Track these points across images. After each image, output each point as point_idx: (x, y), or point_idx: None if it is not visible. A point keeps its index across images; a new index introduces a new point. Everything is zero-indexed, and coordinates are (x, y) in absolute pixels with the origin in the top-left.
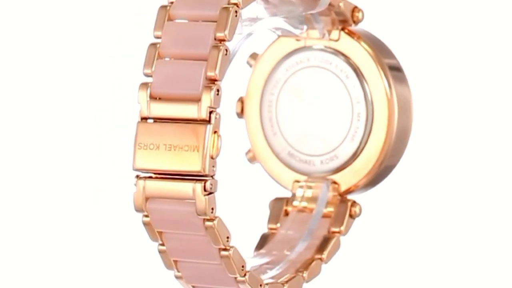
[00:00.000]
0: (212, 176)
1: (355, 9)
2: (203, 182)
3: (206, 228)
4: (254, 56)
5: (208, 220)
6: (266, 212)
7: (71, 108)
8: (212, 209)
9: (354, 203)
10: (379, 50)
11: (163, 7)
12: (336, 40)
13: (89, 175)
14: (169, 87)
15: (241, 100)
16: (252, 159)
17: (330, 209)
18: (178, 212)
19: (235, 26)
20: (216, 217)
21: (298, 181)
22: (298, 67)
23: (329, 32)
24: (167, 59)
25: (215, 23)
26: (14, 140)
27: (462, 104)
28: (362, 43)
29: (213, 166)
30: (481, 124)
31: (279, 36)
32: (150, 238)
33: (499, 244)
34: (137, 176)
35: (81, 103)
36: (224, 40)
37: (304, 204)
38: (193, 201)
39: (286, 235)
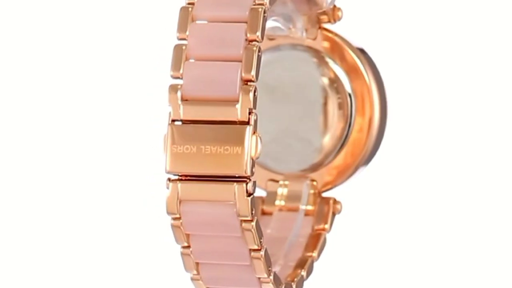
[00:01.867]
0: (250, 178)
1: (335, 7)
2: (244, 184)
3: (244, 229)
4: None
5: (247, 221)
6: None
7: (75, 109)
8: (253, 210)
9: (335, 201)
10: (357, 47)
11: (185, 8)
12: (314, 39)
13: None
14: (203, 89)
15: None
16: None
17: (310, 207)
18: (215, 214)
19: (265, 26)
20: (254, 218)
21: (273, 180)
22: (272, 66)
23: (306, 30)
24: (192, 60)
25: (244, 24)
26: (15, 140)
27: (433, 101)
28: (340, 41)
29: (253, 168)
30: (453, 117)
31: None
32: (176, 240)
33: (477, 240)
34: (169, 179)
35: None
36: (256, 41)
37: (285, 203)
38: (232, 202)
39: (273, 235)
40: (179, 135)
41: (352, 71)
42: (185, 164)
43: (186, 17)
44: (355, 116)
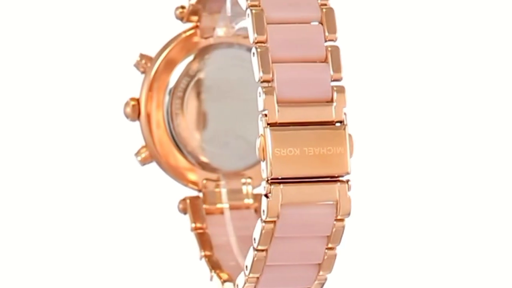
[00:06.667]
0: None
1: None
2: (346, 183)
3: (337, 227)
4: (146, 57)
5: (340, 220)
6: (170, 211)
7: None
8: None
9: None
10: None
11: (258, 10)
12: (246, 37)
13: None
14: (298, 90)
15: (136, 102)
16: (145, 160)
17: (255, 204)
18: (314, 215)
19: None
20: None
21: (210, 179)
22: (209, 65)
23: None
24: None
25: (320, 24)
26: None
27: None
28: None
29: None
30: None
31: (178, 35)
32: (259, 243)
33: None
34: (270, 183)
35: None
36: (333, 41)
37: (231, 201)
38: (331, 202)
39: (243, 234)
40: (280, 138)
41: None
42: (290, 167)
43: (261, 19)
44: None
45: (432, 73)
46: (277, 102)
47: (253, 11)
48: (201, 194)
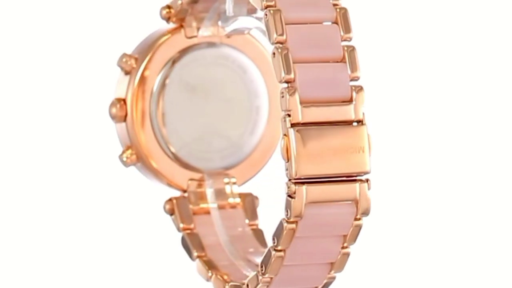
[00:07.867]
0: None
1: None
2: (366, 182)
3: (355, 226)
4: (133, 58)
5: (358, 219)
6: (156, 213)
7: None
8: None
9: (255, 196)
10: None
11: (276, 10)
12: (229, 36)
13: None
14: (319, 91)
15: (123, 102)
16: (131, 161)
17: (241, 203)
18: (335, 214)
19: None
20: None
21: (194, 180)
22: (193, 64)
23: (223, 28)
24: (296, 64)
25: (335, 25)
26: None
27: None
28: (254, 39)
29: None
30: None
31: (162, 35)
32: (280, 244)
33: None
34: (295, 183)
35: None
36: (347, 40)
37: (218, 201)
38: (351, 202)
39: (232, 233)
40: (304, 138)
41: (269, 70)
42: (313, 167)
43: (280, 19)
44: (272, 113)
45: (442, 69)
46: (300, 103)
47: (271, 11)
48: (186, 195)
